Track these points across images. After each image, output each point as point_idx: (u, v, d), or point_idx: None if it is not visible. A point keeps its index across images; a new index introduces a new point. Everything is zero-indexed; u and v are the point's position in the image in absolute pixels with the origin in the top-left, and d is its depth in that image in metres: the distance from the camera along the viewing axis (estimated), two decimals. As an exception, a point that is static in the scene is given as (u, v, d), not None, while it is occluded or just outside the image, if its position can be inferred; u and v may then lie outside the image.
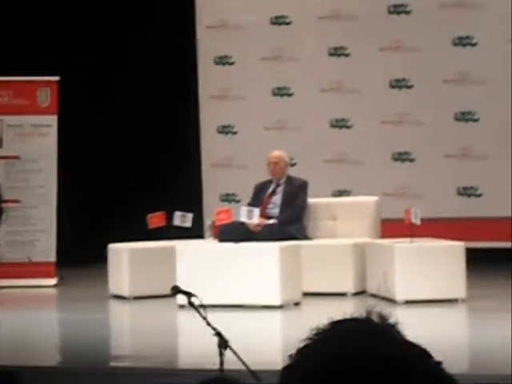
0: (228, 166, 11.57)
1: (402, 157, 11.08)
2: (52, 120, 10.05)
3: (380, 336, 0.99)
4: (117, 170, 11.48)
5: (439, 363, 0.99)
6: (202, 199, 11.53)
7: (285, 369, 1.02)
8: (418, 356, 0.98)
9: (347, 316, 1.05)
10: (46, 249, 9.90)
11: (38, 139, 10.04)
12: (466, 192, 10.86)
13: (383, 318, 1.02)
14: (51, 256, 9.86)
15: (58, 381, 5.32)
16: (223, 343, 4.26)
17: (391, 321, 1.02)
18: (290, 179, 8.92)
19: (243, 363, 4.35)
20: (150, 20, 11.66)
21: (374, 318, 1.02)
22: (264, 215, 8.54)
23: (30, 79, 10.03)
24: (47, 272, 9.76)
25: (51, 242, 9.90)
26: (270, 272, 7.70)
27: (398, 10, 11.12)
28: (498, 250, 10.19)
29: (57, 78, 10.05)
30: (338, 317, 1.05)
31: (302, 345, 1.01)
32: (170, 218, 8.97)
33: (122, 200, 11.23)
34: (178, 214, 8.98)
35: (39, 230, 9.96)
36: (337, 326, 1.02)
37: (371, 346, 0.97)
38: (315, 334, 1.01)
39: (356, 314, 1.04)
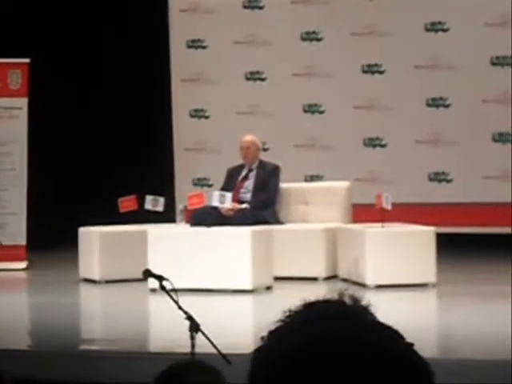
0: (200, 151, 11.55)
1: (373, 142, 11.12)
2: (22, 102, 9.97)
3: (352, 318, 0.99)
4: (88, 153, 11.42)
5: (411, 345, 1.00)
6: (174, 183, 11.50)
7: (257, 350, 1.02)
8: (390, 337, 0.99)
9: (319, 299, 1.05)
10: (16, 232, 9.83)
11: (8, 122, 9.96)
12: (437, 177, 10.92)
13: (355, 300, 1.02)
14: (21, 239, 9.80)
15: (27, 364, 5.29)
16: (194, 327, 4.27)
17: (363, 303, 1.02)
18: (262, 164, 8.92)
19: (214, 347, 4.36)
20: (122, 3, 11.57)
21: (347, 300, 1.02)
22: (236, 200, 8.54)
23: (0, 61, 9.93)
24: (17, 255, 9.69)
25: (21, 225, 9.84)
26: (241, 256, 7.71)
27: (370, -5, 11.11)
28: (468, 235, 10.27)
29: (27, 60, 9.96)
30: (310, 300, 1.05)
31: (274, 327, 1.01)
32: (141, 202, 8.93)
33: (93, 183, 11.17)
34: (149, 198, 8.94)
35: (9, 213, 9.89)
36: (309, 307, 1.02)
37: (344, 328, 0.97)
38: (287, 316, 1.01)
39: (328, 297, 1.04)
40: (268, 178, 8.82)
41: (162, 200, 8.97)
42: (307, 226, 8.71)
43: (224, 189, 8.59)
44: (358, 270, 8.01)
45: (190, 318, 4.29)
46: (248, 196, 8.71)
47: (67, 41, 11.43)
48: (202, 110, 11.59)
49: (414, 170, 10.85)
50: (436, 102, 10.92)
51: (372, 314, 1.01)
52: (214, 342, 4.35)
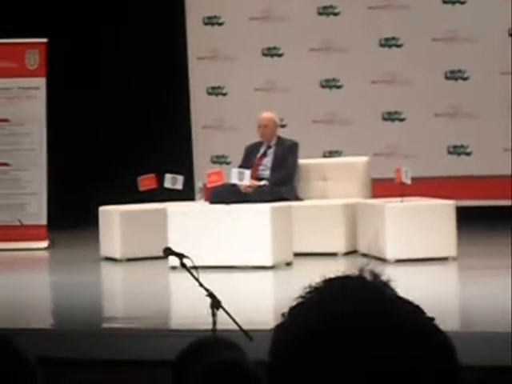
0: (218, 128, 11.54)
1: (392, 116, 11.07)
2: (40, 82, 9.99)
3: (373, 293, 0.99)
4: (107, 132, 11.44)
5: (432, 319, 1.00)
6: (192, 161, 11.51)
7: (278, 327, 1.02)
8: (410, 313, 0.99)
9: (339, 275, 1.05)
10: (37, 212, 9.89)
11: (26, 102, 9.98)
12: (456, 151, 10.87)
13: (376, 276, 1.02)
14: (42, 219, 9.86)
15: (51, 342, 5.34)
16: (216, 304, 4.28)
17: (384, 278, 1.02)
18: (280, 140, 8.90)
19: (236, 323, 4.37)
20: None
21: (367, 275, 1.02)
22: (255, 177, 8.54)
23: (17, 41, 9.94)
24: (38, 235, 9.75)
25: (42, 204, 9.89)
26: (261, 233, 7.72)
27: (387, -32, 11.03)
28: (488, 208, 10.23)
29: (45, 40, 9.96)
30: (330, 275, 1.05)
31: (294, 303, 1.02)
32: (161, 180, 8.95)
33: (113, 162, 11.20)
34: (168, 177, 8.96)
35: (29, 193, 9.94)
36: (330, 283, 1.02)
37: (364, 303, 0.97)
38: (308, 292, 1.02)
39: (348, 273, 1.04)
40: (286, 154, 8.81)
41: (181, 178, 8.99)
42: (326, 201, 8.70)
43: (242, 166, 8.59)
44: (377, 245, 8.00)
45: (210, 294, 4.31)
46: (266, 173, 8.70)
47: (84, 20, 11.42)
48: (219, 88, 11.57)
49: (433, 144, 10.81)
50: (454, 75, 10.85)
51: (392, 290, 1.01)
52: (235, 319, 4.37)
